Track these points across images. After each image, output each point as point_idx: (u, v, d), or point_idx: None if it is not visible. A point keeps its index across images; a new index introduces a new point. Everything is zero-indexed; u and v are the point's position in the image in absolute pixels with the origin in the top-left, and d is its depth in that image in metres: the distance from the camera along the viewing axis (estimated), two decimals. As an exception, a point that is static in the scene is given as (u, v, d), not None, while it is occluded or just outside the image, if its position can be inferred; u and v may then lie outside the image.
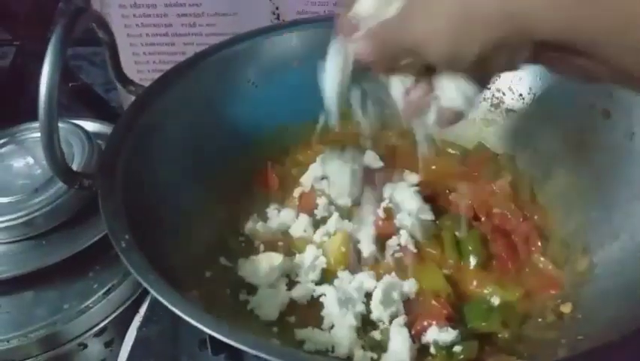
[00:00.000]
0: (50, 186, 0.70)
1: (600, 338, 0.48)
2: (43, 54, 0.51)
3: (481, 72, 0.43)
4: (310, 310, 0.59)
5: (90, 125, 0.83)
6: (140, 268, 0.47)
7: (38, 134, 0.80)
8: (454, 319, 0.57)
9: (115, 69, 0.68)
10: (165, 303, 0.44)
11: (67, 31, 0.53)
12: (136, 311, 0.71)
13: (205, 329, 0.42)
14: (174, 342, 0.64)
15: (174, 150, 0.66)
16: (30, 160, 0.76)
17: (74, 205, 0.71)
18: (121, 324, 0.71)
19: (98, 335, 0.71)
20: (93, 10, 0.74)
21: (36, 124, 0.84)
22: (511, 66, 0.41)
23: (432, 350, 0.54)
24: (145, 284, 0.45)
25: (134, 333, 0.67)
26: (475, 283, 0.62)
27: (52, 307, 0.69)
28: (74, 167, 0.76)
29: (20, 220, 0.69)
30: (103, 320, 0.70)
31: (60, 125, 0.82)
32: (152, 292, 0.45)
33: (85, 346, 0.70)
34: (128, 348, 0.66)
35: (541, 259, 0.64)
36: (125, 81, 0.69)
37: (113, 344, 0.73)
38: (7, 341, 0.65)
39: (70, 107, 1.02)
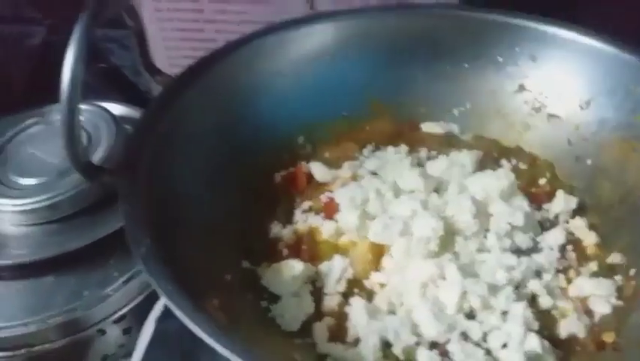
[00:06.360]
0: (77, 169, 0.68)
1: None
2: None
3: None
4: (335, 322, 0.57)
5: (117, 109, 0.82)
6: (160, 277, 0.45)
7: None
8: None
9: (142, 57, 0.65)
10: (185, 320, 0.41)
11: (93, 18, 0.50)
12: (155, 300, 0.68)
13: (223, 351, 0.40)
14: (193, 337, 0.63)
15: (201, 146, 0.63)
16: (59, 141, 0.75)
17: (100, 189, 0.70)
18: (140, 312, 0.69)
19: (117, 321, 0.70)
20: (123, -3, 0.71)
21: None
22: None
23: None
24: (165, 297, 0.43)
25: (153, 323, 0.66)
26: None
27: (72, 293, 0.68)
28: (100, 151, 0.75)
29: (45, 203, 0.69)
30: (122, 308, 0.69)
31: (87, 107, 0.82)
32: (171, 305, 0.42)
33: (104, 332, 0.69)
34: (147, 337, 0.64)
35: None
36: (153, 70, 0.67)
37: (131, 330, 0.72)
38: (26, 326, 0.65)
39: (97, 88, 1.00)
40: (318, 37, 0.75)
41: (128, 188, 0.52)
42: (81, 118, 0.78)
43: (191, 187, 0.60)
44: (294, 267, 0.59)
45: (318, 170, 0.71)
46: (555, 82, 0.72)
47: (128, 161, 0.56)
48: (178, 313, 0.42)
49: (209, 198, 0.62)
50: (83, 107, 0.81)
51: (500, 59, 0.75)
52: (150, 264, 0.45)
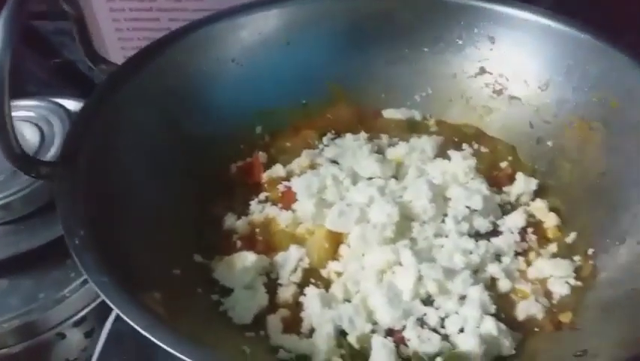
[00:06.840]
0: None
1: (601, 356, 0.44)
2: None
3: None
4: (290, 313, 0.55)
5: (72, 104, 0.79)
6: (92, 268, 0.42)
7: (21, 113, 0.78)
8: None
9: (85, 46, 0.62)
10: (116, 309, 0.39)
11: (20, 4, 0.48)
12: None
13: (157, 342, 0.38)
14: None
15: (148, 136, 0.61)
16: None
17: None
18: (101, 313, 0.67)
19: (76, 324, 0.67)
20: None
21: (20, 102, 0.82)
22: None
23: (412, 362, 0.50)
24: (95, 287, 0.41)
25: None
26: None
27: (27, 295, 0.65)
28: (54, 147, 0.72)
29: (-1, 203, 0.66)
30: (81, 310, 0.67)
31: (40, 103, 0.80)
32: (102, 296, 0.40)
33: (63, 336, 0.67)
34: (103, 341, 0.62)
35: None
36: (96, 59, 0.64)
37: (93, 333, 0.69)
38: (-20, 331, 0.62)
39: (51, 84, 0.97)
40: (272, 22, 0.73)
41: (65, 180, 0.50)
42: (33, 114, 0.78)
43: (137, 178, 0.58)
44: (247, 258, 0.57)
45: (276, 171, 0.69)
46: (514, 63, 0.71)
47: (68, 151, 0.53)
48: (110, 304, 0.40)
49: (159, 191, 0.60)
50: (36, 103, 0.79)
51: (460, 42, 0.74)
52: (82, 255, 0.43)
